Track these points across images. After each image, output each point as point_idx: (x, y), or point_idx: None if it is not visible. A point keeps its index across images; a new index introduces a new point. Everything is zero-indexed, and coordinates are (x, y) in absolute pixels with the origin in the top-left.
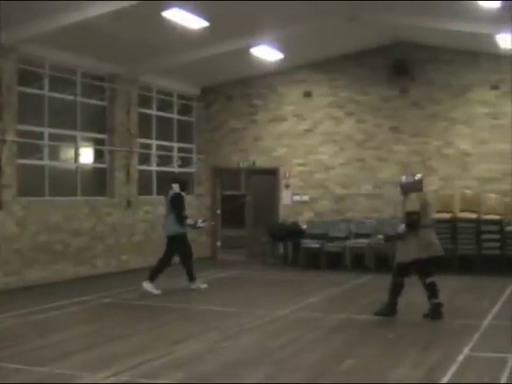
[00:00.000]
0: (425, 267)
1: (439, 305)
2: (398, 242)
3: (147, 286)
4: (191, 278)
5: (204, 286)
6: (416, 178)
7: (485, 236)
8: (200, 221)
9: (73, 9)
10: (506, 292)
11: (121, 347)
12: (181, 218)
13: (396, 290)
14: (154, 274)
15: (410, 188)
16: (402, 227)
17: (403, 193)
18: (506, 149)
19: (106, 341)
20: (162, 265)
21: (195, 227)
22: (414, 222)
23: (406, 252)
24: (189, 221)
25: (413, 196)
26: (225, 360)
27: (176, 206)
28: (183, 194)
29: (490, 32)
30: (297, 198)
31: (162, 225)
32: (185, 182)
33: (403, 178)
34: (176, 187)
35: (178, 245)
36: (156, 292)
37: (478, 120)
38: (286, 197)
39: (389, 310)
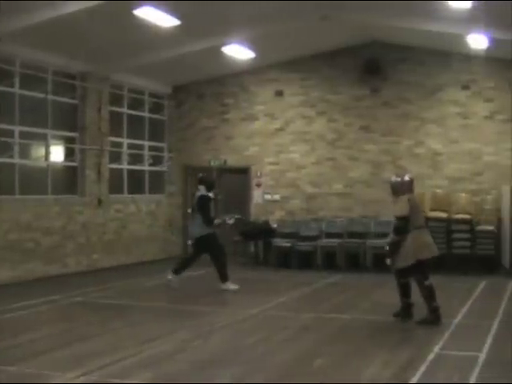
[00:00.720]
0: (423, 269)
1: (437, 308)
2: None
3: (172, 277)
4: (222, 279)
5: (235, 287)
6: (406, 178)
7: (455, 235)
8: (227, 218)
9: (44, 6)
10: (476, 291)
11: (91, 346)
12: (209, 221)
13: (405, 292)
14: (179, 268)
15: (400, 189)
16: (391, 236)
17: (393, 193)
18: (475, 148)
19: (76, 340)
20: (187, 263)
21: (225, 224)
22: (401, 227)
23: (405, 256)
24: (216, 221)
25: (404, 199)
26: (195, 359)
27: (203, 208)
28: (210, 194)
29: (461, 32)
30: (268, 196)
31: (188, 225)
32: (211, 183)
33: (393, 178)
34: (202, 189)
35: (206, 246)
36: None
37: (449, 120)
38: (257, 196)
39: (405, 313)
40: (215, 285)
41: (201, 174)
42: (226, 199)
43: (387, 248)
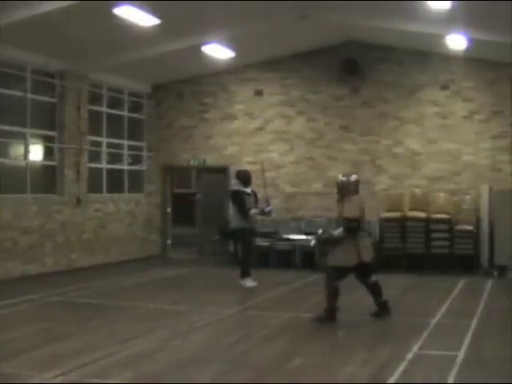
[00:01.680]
0: (366, 269)
1: (385, 302)
2: (332, 245)
3: (247, 282)
4: (242, 274)
5: (252, 284)
6: (352, 178)
7: (434, 235)
8: (265, 206)
9: (23, 5)
10: (455, 290)
11: (69, 346)
12: (243, 213)
13: (335, 295)
14: (245, 269)
15: (347, 188)
16: (339, 231)
17: (339, 193)
18: (454, 148)
19: (55, 340)
20: (247, 256)
21: (263, 214)
22: (352, 228)
23: (347, 256)
24: (253, 211)
25: (353, 200)
26: (174, 358)
27: (235, 202)
28: (245, 189)
29: (440, 33)
30: None
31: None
32: (247, 178)
33: (340, 177)
34: (235, 183)
35: (241, 238)
36: (253, 284)
37: (428, 120)
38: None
39: (329, 315)
40: (196, 284)
41: (237, 169)
42: (205, 199)
43: (314, 243)
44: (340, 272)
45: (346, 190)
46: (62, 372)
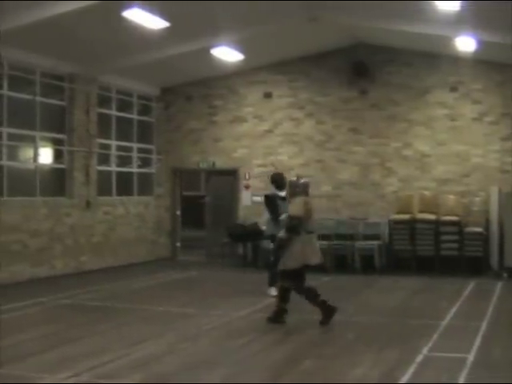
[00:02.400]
0: (303, 273)
1: (325, 301)
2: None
3: (272, 291)
4: (270, 282)
5: (274, 293)
6: (303, 180)
7: (443, 237)
8: None
9: (32, 7)
10: (465, 292)
11: (79, 348)
12: (274, 218)
13: (285, 296)
14: (274, 277)
15: (294, 189)
16: (282, 232)
17: (290, 194)
18: (463, 150)
19: (65, 342)
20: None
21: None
22: (293, 226)
23: (295, 258)
24: (283, 216)
25: (298, 200)
26: (183, 361)
27: (267, 206)
28: (279, 193)
29: (449, 34)
30: (256, 198)
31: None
32: (280, 182)
33: (292, 179)
34: (272, 187)
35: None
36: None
37: (437, 122)
38: (245, 197)
39: (277, 317)
40: (205, 287)
41: (272, 172)
42: (215, 201)
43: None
44: (289, 274)
45: (293, 191)
46: (72, 374)
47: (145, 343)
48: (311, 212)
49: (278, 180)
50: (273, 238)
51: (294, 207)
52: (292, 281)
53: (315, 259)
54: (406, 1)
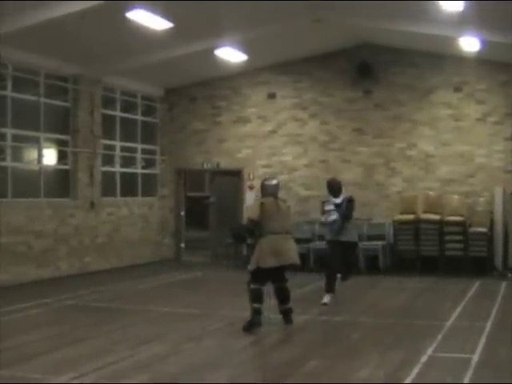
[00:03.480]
0: (277, 274)
1: (289, 310)
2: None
3: (326, 298)
4: (326, 288)
5: (328, 300)
6: (273, 182)
7: (448, 237)
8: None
9: (37, 8)
10: (469, 293)
11: (84, 349)
12: (320, 222)
13: (255, 298)
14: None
15: (262, 191)
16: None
17: (261, 196)
18: (467, 150)
19: (69, 343)
20: (349, 269)
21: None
22: (248, 228)
23: (255, 259)
24: (322, 219)
25: (256, 202)
26: (188, 362)
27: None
28: (334, 199)
29: (453, 35)
30: None
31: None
32: (331, 187)
33: (264, 181)
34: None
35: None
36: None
37: (441, 122)
38: (249, 198)
39: (252, 320)
40: (210, 288)
41: (328, 179)
42: (219, 202)
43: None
44: (257, 274)
45: (262, 192)
46: (76, 375)
47: (149, 344)
48: (274, 212)
49: (329, 186)
50: (328, 244)
51: (250, 210)
52: (258, 282)
53: (273, 262)
54: (410, 1)
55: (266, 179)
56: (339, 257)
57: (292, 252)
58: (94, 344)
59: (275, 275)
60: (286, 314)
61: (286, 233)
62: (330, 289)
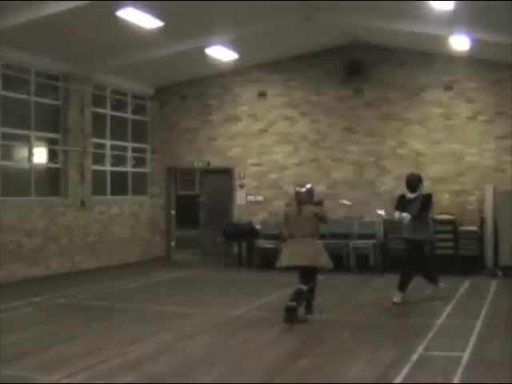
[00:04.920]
0: (301, 274)
1: (290, 307)
2: None
3: (395, 297)
4: (399, 287)
5: (397, 299)
6: (301, 189)
7: (438, 236)
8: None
9: (27, 7)
10: (460, 291)
11: (75, 348)
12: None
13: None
14: (433, 278)
15: (295, 198)
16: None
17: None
18: (458, 149)
19: (60, 342)
20: (429, 267)
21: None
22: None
23: (280, 259)
24: (396, 214)
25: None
26: (179, 360)
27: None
28: (410, 194)
29: (443, 33)
30: (251, 198)
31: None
32: (408, 182)
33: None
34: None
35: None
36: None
37: (432, 120)
38: (240, 197)
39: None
40: (200, 286)
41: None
42: (209, 200)
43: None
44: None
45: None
46: (67, 374)
47: (140, 342)
48: (290, 218)
49: (406, 181)
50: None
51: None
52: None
53: (285, 262)
54: (401, 0)
55: (296, 186)
56: (411, 255)
57: (308, 255)
58: (85, 342)
59: (300, 275)
60: (285, 311)
61: (302, 236)
62: (401, 287)
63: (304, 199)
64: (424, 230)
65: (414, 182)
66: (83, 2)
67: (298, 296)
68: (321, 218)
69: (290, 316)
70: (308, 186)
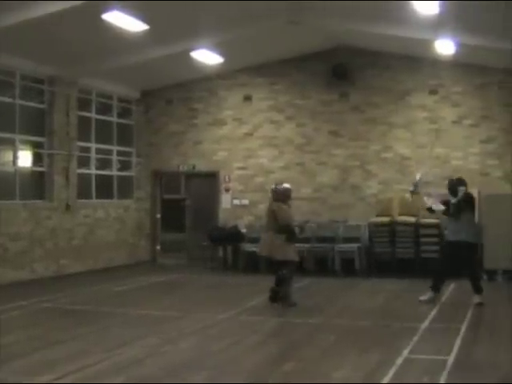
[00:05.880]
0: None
1: (273, 288)
2: None
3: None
4: (433, 287)
5: (424, 298)
6: (273, 187)
7: (423, 239)
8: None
9: (12, 10)
10: (445, 294)
11: (60, 352)
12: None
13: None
14: (477, 285)
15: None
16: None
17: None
18: (443, 153)
19: (46, 346)
20: (477, 271)
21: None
22: None
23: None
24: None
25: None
26: (165, 364)
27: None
28: (451, 197)
29: (428, 37)
30: (236, 201)
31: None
32: (450, 188)
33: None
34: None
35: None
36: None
37: (417, 124)
38: (225, 200)
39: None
40: (186, 290)
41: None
42: (195, 204)
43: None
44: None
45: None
46: (54, 378)
47: (126, 346)
48: (268, 214)
49: (448, 187)
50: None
51: None
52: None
53: (259, 251)
54: (386, 4)
55: (277, 184)
56: (447, 257)
57: (265, 247)
58: (71, 346)
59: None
60: (269, 291)
61: (265, 230)
62: (434, 287)
63: (273, 196)
64: (465, 232)
65: (453, 186)
66: (68, 5)
67: (277, 281)
68: (275, 216)
69: (272, 295)
70: (285, 185)
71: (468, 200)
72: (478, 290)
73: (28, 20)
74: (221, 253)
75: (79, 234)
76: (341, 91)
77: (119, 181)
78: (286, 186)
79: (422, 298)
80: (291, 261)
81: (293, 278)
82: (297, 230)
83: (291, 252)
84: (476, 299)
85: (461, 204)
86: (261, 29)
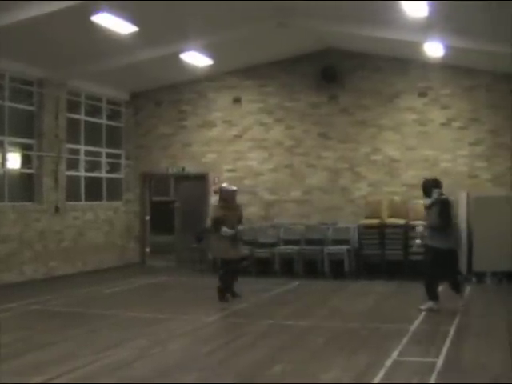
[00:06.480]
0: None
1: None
2: None
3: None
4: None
5: (427, 306)
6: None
7: (412, 242)
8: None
9: (1, 12)
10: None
11: (50, 354)
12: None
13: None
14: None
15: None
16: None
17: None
18: (432, 155)
19: (35, 348)
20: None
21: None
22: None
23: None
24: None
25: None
26: (155, 366)
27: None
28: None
29: (417, 40)
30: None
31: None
32: (423, 189)
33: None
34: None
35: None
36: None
37: (406, 127)
38: (214, 202)
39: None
40: (175, 292)
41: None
42: (184, 206)
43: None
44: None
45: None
46: (43, 380)
47: (116, 348)
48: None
49: (424, 187)
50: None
51: None
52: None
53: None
54: (375, 6)
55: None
56: (438, 265)
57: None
58: (60, 349)
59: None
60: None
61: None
62: (429, 295)
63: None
64: (441, 238)
65: (426, 186)
66: (57, 7)
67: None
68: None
69: (219, 295)
70: (232, 187)
71: (443, 205)
72: (460, 289)
73: (17, 22)
74: (210, 255)
75: (68, 236)
76: (330, 93)
77: (108, 183)
78: (233, 188)
79: (423, 306)
80: (221, 258)
81: (228, 275)
82: (225, 229)
83: (221, 250)
84: (460, 301)
85: (443, 214)
86: (250, 31)
